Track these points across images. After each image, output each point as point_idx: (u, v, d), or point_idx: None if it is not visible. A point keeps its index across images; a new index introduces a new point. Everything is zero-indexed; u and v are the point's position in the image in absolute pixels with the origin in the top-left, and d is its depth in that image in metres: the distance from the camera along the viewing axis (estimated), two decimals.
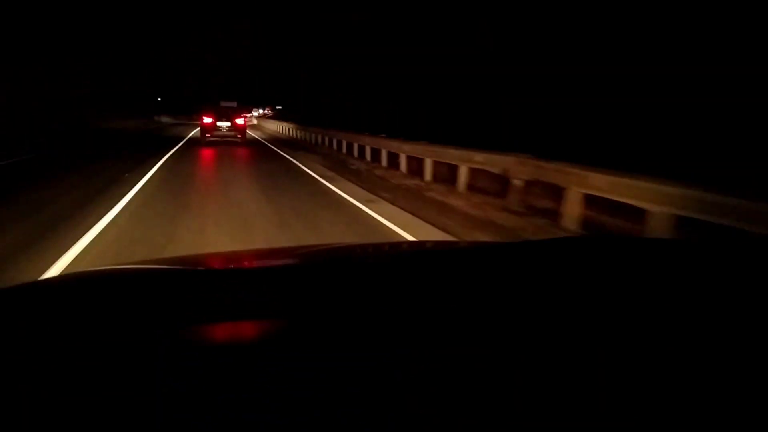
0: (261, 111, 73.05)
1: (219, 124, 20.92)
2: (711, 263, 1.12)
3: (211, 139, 20.68)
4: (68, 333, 0.73)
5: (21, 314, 0.84)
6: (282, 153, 18.25)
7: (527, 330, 0.74)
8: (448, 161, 10.54)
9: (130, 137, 25.26)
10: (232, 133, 20.99)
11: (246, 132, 23.16)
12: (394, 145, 13.12)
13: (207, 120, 20.95)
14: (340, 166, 13.72)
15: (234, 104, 24.16)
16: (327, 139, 20.32)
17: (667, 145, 10.50)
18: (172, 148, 18.23)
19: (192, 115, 42.89)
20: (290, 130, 29.36)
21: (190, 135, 27.24)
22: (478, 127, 17.43)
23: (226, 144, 20.54)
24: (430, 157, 11.13)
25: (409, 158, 12.26)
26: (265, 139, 26.69)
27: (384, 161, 13.60)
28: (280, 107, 62.10)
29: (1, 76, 24.92)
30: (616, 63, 11.39)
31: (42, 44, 27.37)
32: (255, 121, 51.35)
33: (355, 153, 16.13)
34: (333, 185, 10.16)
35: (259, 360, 0.65)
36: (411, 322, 0.76)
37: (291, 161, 15.22)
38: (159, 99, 56.31)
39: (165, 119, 51.99)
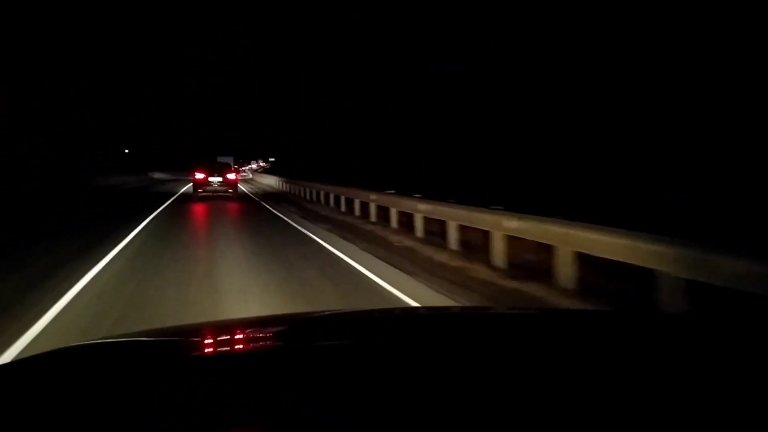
0: (255, 165, 72.45)
1: (211, 179, 21.11)
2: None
3: (203, 194, 20.79)
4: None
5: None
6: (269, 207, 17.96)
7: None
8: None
9: (129, 194, 25.02)
10: (224, 188, 21.18)
11: (237, 186, 23.08)
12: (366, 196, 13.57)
13: (199, 176, 21.02)
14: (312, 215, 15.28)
15: (230, 159, 23.83)
16: (313, 192, 20.35)
17: (667, 146, 10.50)
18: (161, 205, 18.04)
19: (186, 171, 39.18)
20: (280, 183, 30.07)
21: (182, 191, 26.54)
22: (478, 128, 17.43)
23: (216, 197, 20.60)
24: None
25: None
26: (253, 193, 26.33)
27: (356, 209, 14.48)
28: (273, 159, 61.30)
29: (1, 76, 24.94)
30: (616, 63, 11.37)
31: (42, 44, 27.40)
32: (250, 175, 51.08)
33: (331, 203, 17.18)
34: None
35: None
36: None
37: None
38: (126, 150, 48.99)
39: (158, 175, 49.07)
